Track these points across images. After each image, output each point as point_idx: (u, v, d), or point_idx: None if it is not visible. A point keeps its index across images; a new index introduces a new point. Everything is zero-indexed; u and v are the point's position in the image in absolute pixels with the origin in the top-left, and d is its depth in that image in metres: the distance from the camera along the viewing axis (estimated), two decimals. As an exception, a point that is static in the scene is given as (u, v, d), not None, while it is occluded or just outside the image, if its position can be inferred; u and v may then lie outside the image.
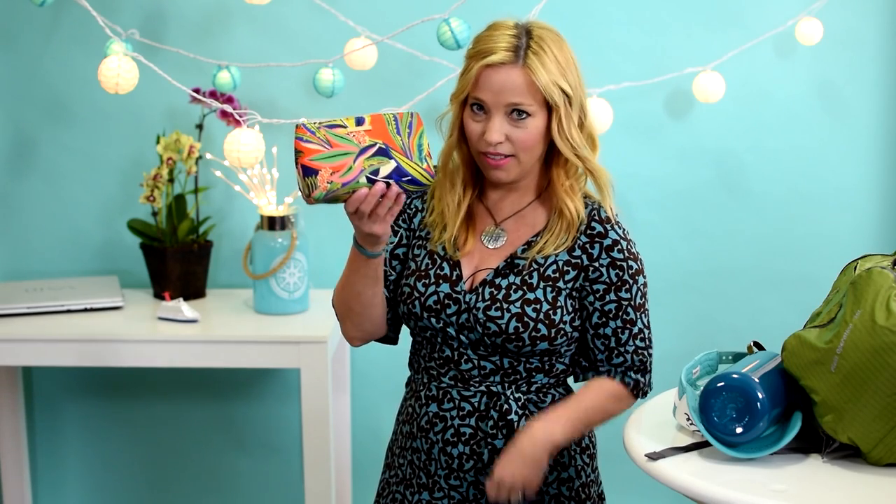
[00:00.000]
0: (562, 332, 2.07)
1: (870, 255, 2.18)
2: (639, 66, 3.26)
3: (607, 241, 2.08)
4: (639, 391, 2.13)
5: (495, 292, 2.07)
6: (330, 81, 3.04)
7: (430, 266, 2.12)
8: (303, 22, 3.26)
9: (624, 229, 2.12)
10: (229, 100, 3.12)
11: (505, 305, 2.06)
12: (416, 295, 2.11)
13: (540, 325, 2.05)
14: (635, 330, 2.10)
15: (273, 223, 3.11)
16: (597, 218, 2.10)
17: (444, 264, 2.12)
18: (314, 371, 2.94)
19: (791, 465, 2.02)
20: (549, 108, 2.04)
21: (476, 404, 2.10)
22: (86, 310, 3.12)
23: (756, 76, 3.29)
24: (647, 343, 2.12)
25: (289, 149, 3.28)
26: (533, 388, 2.11)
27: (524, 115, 2.02)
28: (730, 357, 2.30)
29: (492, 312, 2.06)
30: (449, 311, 2.09)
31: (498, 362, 2.09)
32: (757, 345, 2.26)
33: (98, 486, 3.55)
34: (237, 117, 2.98)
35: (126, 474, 3.54)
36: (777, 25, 3.21)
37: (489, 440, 2.09)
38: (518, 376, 2.10)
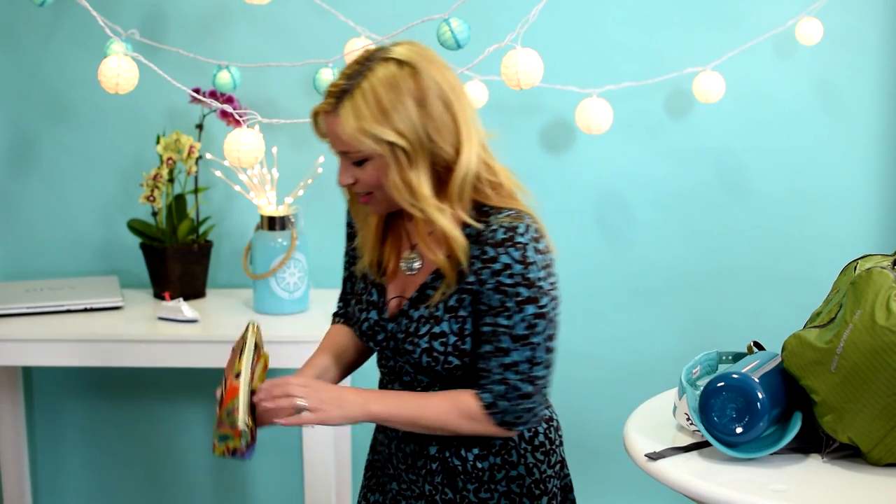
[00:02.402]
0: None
1: (870, 255, 2.18)
2: (639, 66, 3.26)
3: (497, 265, 1.96)
4: (498, 417, 1.99)
5: (408, 324, 2.06)
6: (330, 82, 3.04)
7: (363, 291, 2.14)
8: (303, 22, 3.26)
9: (526, 251, 1.96)
10: (229, 100, 3.12)
11: (416, 340, 2.04)
12: (356, 319, 2.15)
13: (451, 358, 2.02)
14: (507, 360, 1.97)
15: (273, 223, 3.11)
16: (491, 241, 1.97)
17: (374, 290, 2.13)
18: (314, 371, 2.94)
19: (791, 465, 2.02)
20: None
21: None
22: (86, 310, 3.12)
23: (756, 76, 3.29)
24: (524, 378, 1.98)
25: (289, 148, 3.29)
26: None
27: (361, 161, 1.97)
28: (730, 357, 2.30)
29: (406, 346, 2.05)
30: (379, 338, 2.11)
31: (433, 378, 2.08)
32: (757, 345, 2.26)
33: (98, 486, 3.55)
34: (237, 117, 2.98)
35: (126, 474, 3.54)
36: (777, 25, 3.21)
37: (425, 445, 2.11)
38: (456, 385, 2.08)
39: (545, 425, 2.15)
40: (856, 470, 2.00)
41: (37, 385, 3.49)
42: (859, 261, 2.15)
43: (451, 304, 2.02)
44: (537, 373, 1.99)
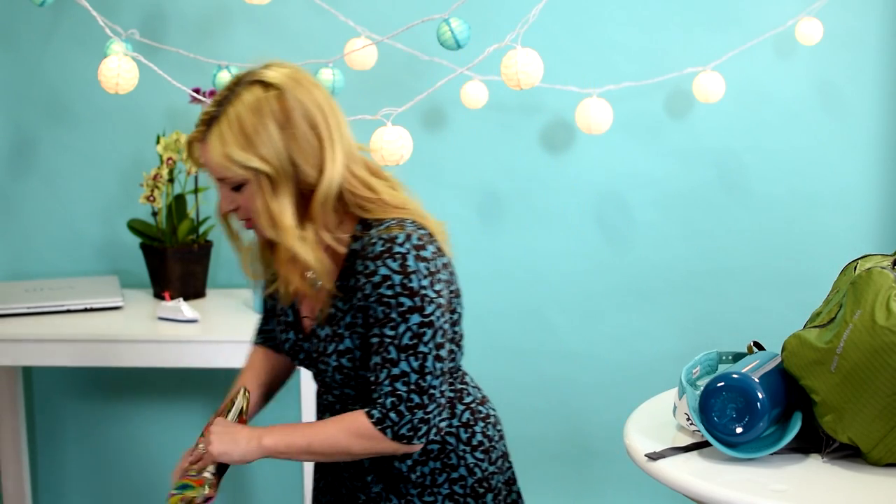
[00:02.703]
0: None
1: (870, 255, 2.18)
2: (639, 66, 3.26)
3: (376, 278, 1.95)
4: (390, 431, 1.97)
5: (318, 343, 2.07)
6: (330, 81, 3.04)
7: (282, 312, 2.16)
8: (303, 22, 3.26)
9: (406, 260, 1.94)
10: (229, 100, 3.12)
11: (325, 358, 2.05)
12: (280, 340, 2.18)
13: (361, 372, 2.03)
14: (395, 371, 1.95)
15: (273, 223, 3.10)
16: (371, 255, 1.96)
17: (289, 310, 2.14)
18: (314, 371, 2.94)
19: (791, 465, 2.02)
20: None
21: None
22: (86, 310, 3.12)
23: (756, 76, 3.29)
24: (414, 388, 1.95)
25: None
26: None
27: (238, 187, 1.97)
28: (730, 357, 2.30)
29: (320, 364, 2.07)
30: (300, 357, 2.13)
31: (358, 391, 2.08)
32: (757, 345, 2.26)
33: (98, 486, 3.55)
34: (237, 117, 2.98)
35: (126, 474, 3.54)
36: (777, 25, 3.21)
37: (360, 460, 2.11)
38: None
39: (482, 424, 2.15)
40: (856, 470, 2.00)
41: (37, 385, 3.49)
42: (859, 261, 2.15)
43: (349, 320, 2.02)
44: (428, 382, 1.96)
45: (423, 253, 1.96)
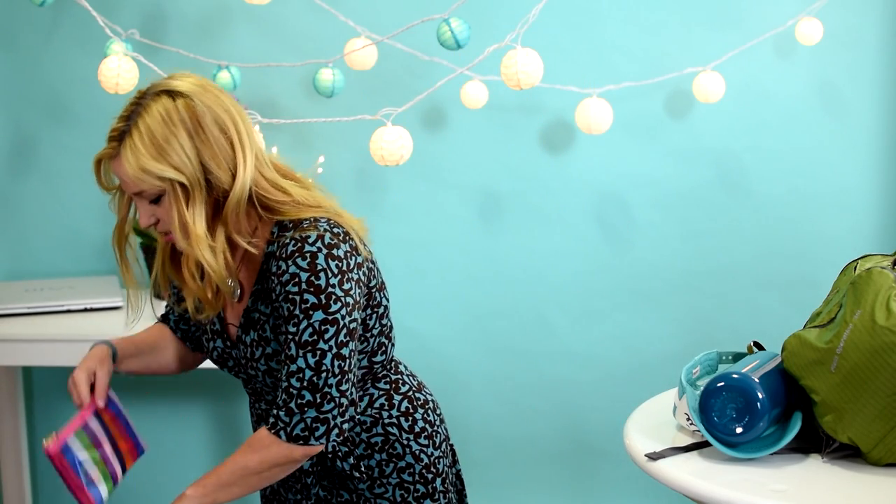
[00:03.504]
0: None
1: (870, 255, 2.18)
2: (639, 66, 3.26)
3: (285, 277, 1.94)
4: (283, 432, 1.95)
5: (244, 350, 2.07)
6: (330, 81, 3.04)
7: (208, 321, 2.16)
8: (303, 22, 3.26)
9: (316, 258, 1.94)
10: (229, 100, 3.12)
11: (254, 364, 2.05)
12: (206, 349, 2.18)
13: None
14: (293, 367, 1.93)
15: (273, 223, 3.11)
16: (283, 255, 1.96)
17: (216, 319, 2.14)
18: (314, 371, 2.94)
19: (791, 465, 2.02)
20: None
21: None
22: (86, 310, 3.12)
23: (756, 76, 3.29)
24: (307, 385, 1.92)
25: (289, 148, 3.29)
26: None
27: (156, 200, 1.98)
28: (730, 357, 2.30)
29: (249, 370, 2.07)
30: (230, 364, 2.13)
31: None
32: (757, 345, 2.27)
33: (98, 486, 3.55)
34: (237, 117, 2.98)
35: (125, 474, 3.53)
36: (777, 25, 3.21)
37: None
38: None
39: (422, 410, 2.15)
40: (856, 470, 2.00)
41: (37, 385, 3.49)
42: (859, 261, 2.15)
43: (273, 322, 2.02)
44: (325, 380, 1.93)
45: (335, 252, 1.95)
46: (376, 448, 2.11)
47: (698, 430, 2.08)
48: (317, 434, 1.95)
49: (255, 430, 2.19)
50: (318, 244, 1.95)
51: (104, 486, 2.06)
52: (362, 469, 2.11)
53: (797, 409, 2.09)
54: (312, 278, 1.93)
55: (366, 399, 2.12)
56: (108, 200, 3.43)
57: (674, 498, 2.49)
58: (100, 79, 2.87)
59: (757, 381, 2.02)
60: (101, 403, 2.10)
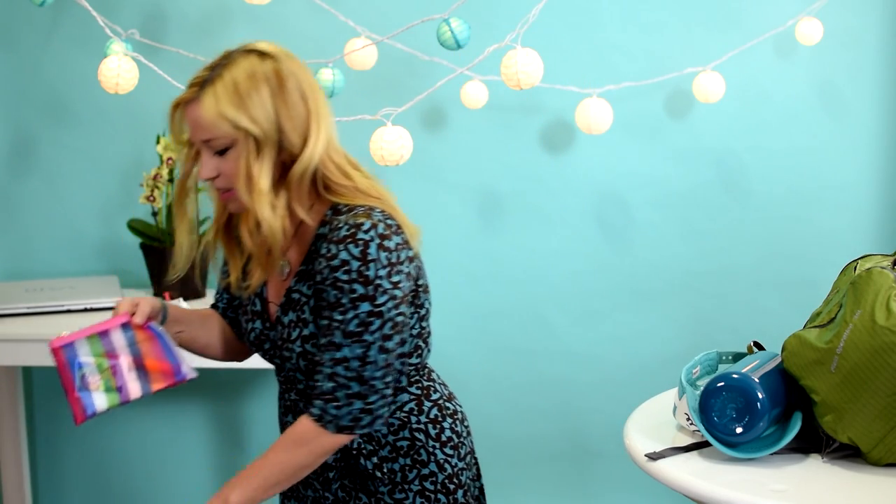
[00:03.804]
0: None
1: (870, 255, 2.18)
2: (639, 66, 3.26)
3: (335, 262, 1.95)
4: (332, 424, 1.97)
5: (282, 330, 2.06)
6: (330, 81, 3.05)
7: (247, 301, 2.15)
8: (303, 22, 3.26)
9: (368, 248, 1.94)
10: (229, 100, 3.12)
11: (289, 345, 2.05)
12: (245, 331, 2.17)
13: None
14: (338, 355, 1.95)
15: (273, 223, 3.11)
16: (335, 239, 1.97)
17: (256, 300, 2.14)
18: (314, 371, 2.94)
19: (791, 465, 2.02)
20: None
21: None
22: (86, 310, 3.12)
23: (756, 76, 3.29)
24: (355, 376, 1.95)
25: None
26: None
27: (225, 150, 1.97)
28: (730, 357, 2.30)
29: (284, 352, 2.06)
30: (266, 347, 2.12)
31: None
32: (757, 345, 2.27)
33: (98, 487, 3.55)
34: (237, 117, 2.98)
35: (126, 474, 3.54)
36: (777, 25, 3.21)
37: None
38: None
39: (450, 420, 2.15)
40: (856, 470, 2.00)
41: (37, 385, 3.49)
42: (859, 261, 2.15)
43: (314, 304, 2.02)
44: (370, 373, 1.96)
45: (386, 243, 1.96)
46: (401, 452, 2.10)
47: (698, 430, 2.08)
48: (362, 423, 1.98)
49: (282, 420, 2.18)
50: (372, 233, 1.95)
51: (103, 397, 2.02)
52: (385, 471, 2.09)
53: (797, 409, 2.09)
54: (362, 268, 1.94)
55: (396, 402, 2.12)
56: (107, 200, 3.44)
57: (674, 498, 2.49)
58: (100, 79, 2.87)
59: (757, 381, 2.02)
60: (138, 320, 2.05)
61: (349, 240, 1.95)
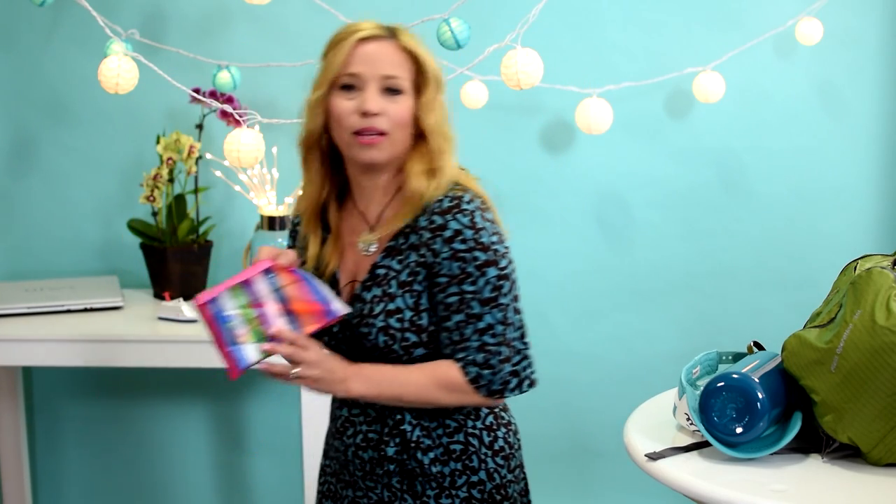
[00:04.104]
0: (435, 334, 2.04)
1: (870, 255, 2.18)
2: (639, 66, 3.26)
3: (447, 233, 1.98)
4: (485, 388, 2.01)
5: (362, 307, 2.05)
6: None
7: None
8: (303, 22, 3.26)
9: (474, 217, 1.99)
10: (229, 100, 3.12)
11: (370, 321, 2.03)
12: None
13: (408, 335, 2.02)
14: (481, 325, 1.99)
15: (273, 223, 3.11)
16: (437, 210, 2.00)
17: (328, 281, 2.12)
18: (314, 371, 2.94)
19: (791, 465, 2.02)
20: (417, 93, 2.04)
21: (379, 411, 2.10)
22: (86, 310, 3.12)
23: (756, 76, 3.29)
24: (501, 340, 2.00)
25: (289, 148, 3.29)
26: None
27: (398, 92, 2.02)
28: (730, 357, 2.30)
29: (362, 329, 2.05)
30: (334, 329, 2.10)
31: (392, 362, 2.06)
32: (757, 345, 2.26)
33: (98, 486, 3.55)
34: (237, 117, 2.98)
35: (126, 474, 3.54)
36: (777, 25, 3.21)
37: (382, 446, 2.09)
38: None
39: (504, 430, 2.15)
40: (856, 470, 2.00)
41: (37, 385, 3.49)
42: (859, 261, 2.15)
43: (405, 278, 2.02)
44: (512, 334, 2.01)
45: (486, 215, 2.02)
46: (453, 455, 2.09)
47: (698, 430, 2.08)
48: (510, 387, 2.02)
49: (335, 412, 2.16)
50: (474, 204, 2.01)
51: (253, 348, 1.97)
52: (434, 472, 2.08)
53: (797, 409, 2.09)
54: (476, 236, 1.98)
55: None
56: (107, 200, 3.44)
57: (674, 498, 2.49)
58: (100, 79, 2.87)
59: (757, 381, 2.02)
60: (283, 261, 2.01)
61: (455, 210, 1.99)
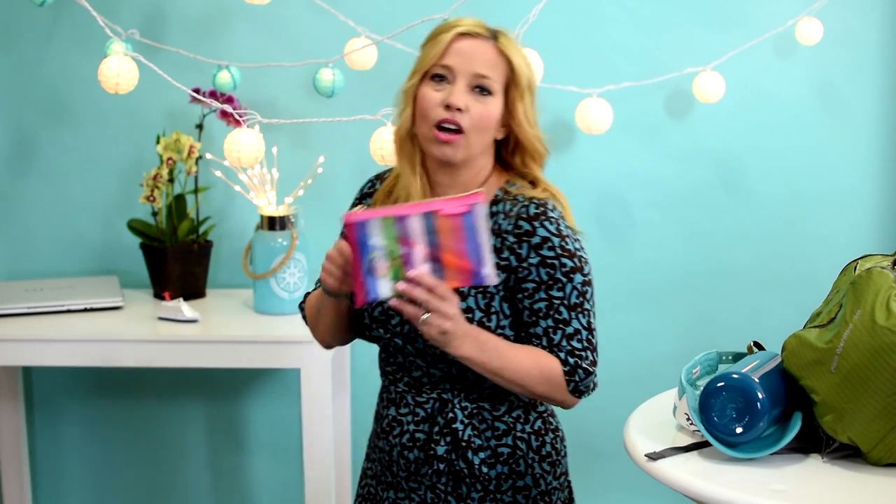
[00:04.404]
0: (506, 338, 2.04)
1: (870, 255, 2.18)
2: (639, 66, 3.26)
3: (535, 239, 2.00)
4: (575, 388, 2.03)
5: None
6: (330, 81, 3.04)
7: None
8: (303, 22, 3.26)
9: (559, 225, 2.02)
10: (229, 100, 3.12)
11: None
12: (365, 306, 2.11)
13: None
14: (569, 330, 2.02)
15: (273, 223, 3.11)
16: (524, 216, 2.02)
17: None
18: (314, 371, 2.94)
19: (791, 465, 2.02)
20: (506, 98, 2.05)
21: (429, 410, 2.09)
22: (86, 310, 3.12)
23: (756, 76, 3.29)
24: (587, 345, 2.03)
25: (289, 148, 3.29)
26: (485, 395, 2.08)
27: (486, 93, 2.03)
28: (730, 357, 2.30)
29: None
30: (393, 322, 2.08)
31: (446, 370, 2.07)
32: (757, 345, 2.26)
33: (98, 487, 3.55)
34: (237, 117, 2.98)
35: (126, 474, 3.54)
36: (777, 25, 3.21)
37: (433, 445, 2.08)
38: (468, 382, 2.07)
39: (552, 435, 2.15)
40: (856, 470, 2.00)
41: (37, 385, 3.49)
42: (859, 261, 2.15)
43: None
44: (595, 339, 2.05)
45: (567, 222, 2.05)
46: (500, 459, 2.09)
47: (698, 430, 2.08)
48: (589, 390, 2.06)
49: (382, 413, 2.15)
50: (557, 212, 2.04)
51: (388, 285, 1.88)
52: (486, 472, 2.08)
53: (797, 409, 2.09)
54: (563, 243, 2.01)
55: (506, 405, 2.10)
56: (108, 200, 3.43)
57: (674, 498, 2.49)
58: (100, 79, 2.87)
59: (757, 381, 2.02)
60: (448, 209, 1.88)
61: (542, 217, 2.01)
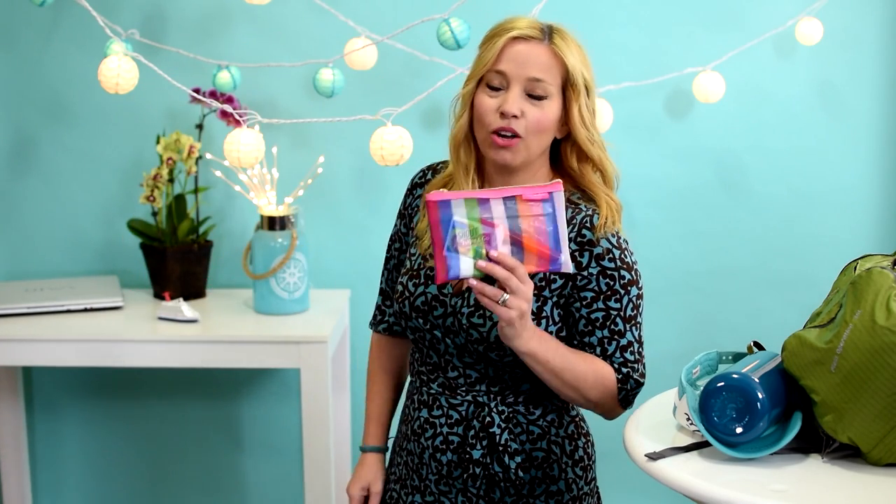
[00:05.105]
0: None
1: (870, 255, 2.17)
2: (639, 66, 3.26)
3: (598, 250, 2.02)
4: (624, 398, 2.06)
5: (472, 298, 2.03)
6: (330, 81, 3.05)
7: (422, 266, 2.10)
8: (303, 22, 3.26)
9: (619, 237, 2.04)
10: (229, 100, 3.12)
11: (488, 313, 2.01)
12: (407, 294, 2.09)
13: None
14: (623, 342, 2.04)
15: (273, 223, 3.11)
16: (588, 225, 2.03)
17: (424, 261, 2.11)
18: (314, 371, 2.94)
19: (791, 465, 2.02)
20: (564, 98, 2.03)
21: (463, 413, 2.08)
22: (86, 310, 3.12)
23: (756, 76, 3.29)
24: (637, 357, 2.06)
25: (289, 148, 3.29)
26: (521, 399, 2.08)
27: (542, 97, 2.01)
28: (730, 357, 2.29)
29: (475, 319, 2.02)
30: (436, 314, 2.06)
31: (483, 370, 2.06)
32: (757, 345, 2.26)
33: (98, 486, 3.55)
34: (237, 117, 2.98)
35: (126, 474, 3.54)
36: (777, 25, 3.21)
37: (468, 449, 2.07)
38: (504, 385, 2.07)
39: (584, 440, 2.15)
40: (856, 470, 2.00)
41: (37, 385, 3.49)
42: (859, 261, 2.15)
43: (535, 281, 2.01)
44: (643, 352, 2.06)
45: (625, 235, 2.07)
46: (534, 463, 2.08)
47: (698, 430, 2.08)
48: (632, 402, 2.08)
49: (412, 414, 2.15)
50: (618, 226, 2.06)
51: (469, 263, 1.87)
52: (520, 476, 2.07)
53: (797, 409, 2.09)
54: (622, 255, 2.03)
55: (540, 408, 2.10)
56: (108, 200, 3.44)
57: (674, 498, 2.49)
58: (100, 79, 2.87)
59: (757, 381, 2.02)
60: (529, 194, 1.87)
61: (606, 228, 2.02)
